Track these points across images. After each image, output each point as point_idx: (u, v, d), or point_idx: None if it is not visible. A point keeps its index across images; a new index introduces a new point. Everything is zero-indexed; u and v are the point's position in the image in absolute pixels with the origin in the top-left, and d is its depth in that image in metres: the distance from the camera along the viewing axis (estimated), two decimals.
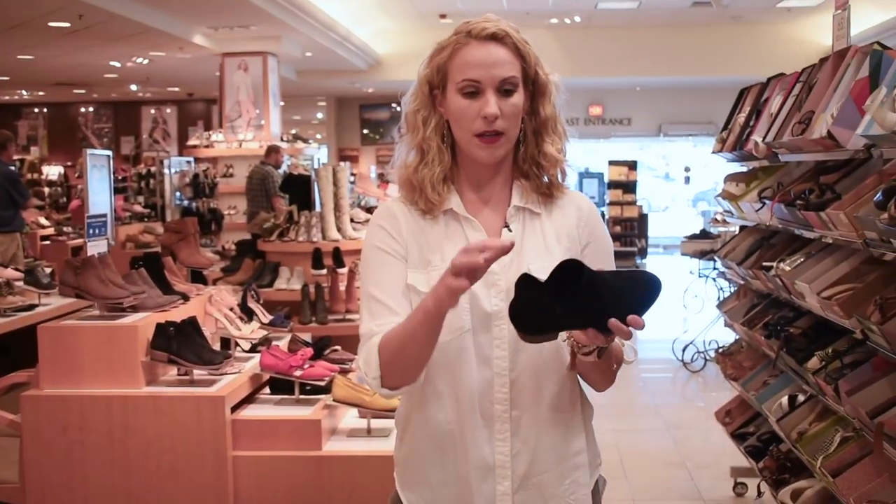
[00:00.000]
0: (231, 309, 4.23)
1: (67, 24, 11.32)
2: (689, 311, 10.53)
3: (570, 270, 1.74)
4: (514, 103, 1.93)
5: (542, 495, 1.98)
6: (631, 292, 1.77)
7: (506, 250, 1.67)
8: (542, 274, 1.76)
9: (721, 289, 9.14)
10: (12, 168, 9.61)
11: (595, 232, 2.06)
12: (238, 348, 4.13)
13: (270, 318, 4.57)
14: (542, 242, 1.99)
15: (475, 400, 1.95)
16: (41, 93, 20.79)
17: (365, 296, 2.00)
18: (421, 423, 2.02)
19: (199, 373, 3.70)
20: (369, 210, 9.63)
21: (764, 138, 4.21)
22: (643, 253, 18.07)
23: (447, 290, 1.70)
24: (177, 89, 20.29)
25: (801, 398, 4.14)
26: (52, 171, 18.05)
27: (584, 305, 1.73)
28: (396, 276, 1.97)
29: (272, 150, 11.16)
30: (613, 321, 1.71)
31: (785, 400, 4.21)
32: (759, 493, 5.23)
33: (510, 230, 1.98)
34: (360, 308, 2.02)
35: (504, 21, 1.97)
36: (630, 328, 1.72)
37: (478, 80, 1.91)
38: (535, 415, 1.96)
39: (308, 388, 3.86)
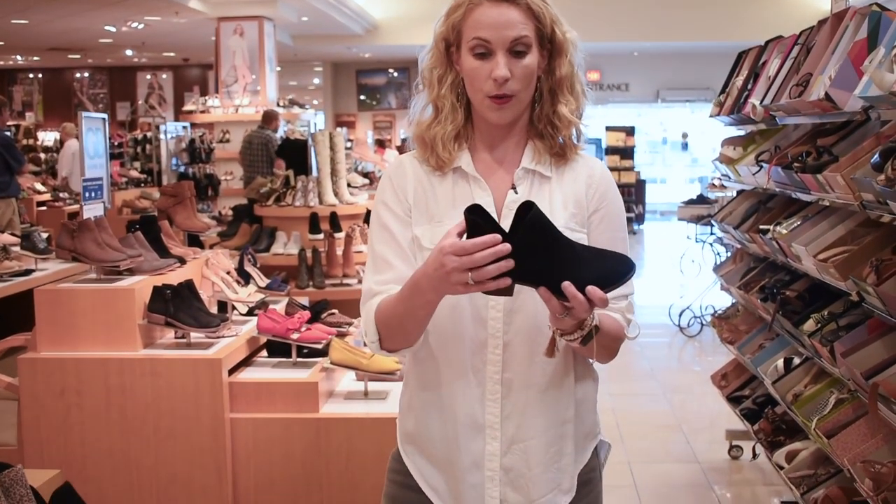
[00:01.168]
0: (228, 272, 4.23)
1: None
2: (686, 277, 10.54)
3: (525, 211, 1.69)
4: (525, 65, 1.90)
5: (527, 461, 1.99)
6: (596, 263, 1.72)
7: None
8: None
9: (717, 254, 9.16)
10: (7, 134, 9.57)
11: (606, 199, 2.02)
12: (235, 312, 4.14)
13: (267, 281, 4.58)
14: (548, 207, 1.96)
15: (468, 359, 1.96)
16: (36, 58, 20.68)
17: (370, 249, 2.04)
18: (417, 378, 2.05)
19: (196, 336, 3.71)
20: (366, 175, 9.63)
21: (762, 101, 4.20)
22: (640, 219, 18.09)
23: (448, 276, 1.69)
24: (172, 54, 20.19)
25: (796, 361, 4.16)
26: (48, 137, 17.97)
27: (533, 252, 1.67)
28: (400, 232, 1.99)
29: (272, 116, 11.10)
30: (567, 284, 1.67)
31: (780, 363, 4.22)
32: (755, 456, 5.27)
33: (516, 192, 1.97)
34: (367, 260, 2.05)
35: None
36: (585, 299, 1.67)
37: (488, 41, 1.89)
38: (526, 379, 1.96)
39: (305, 351, 3.87)
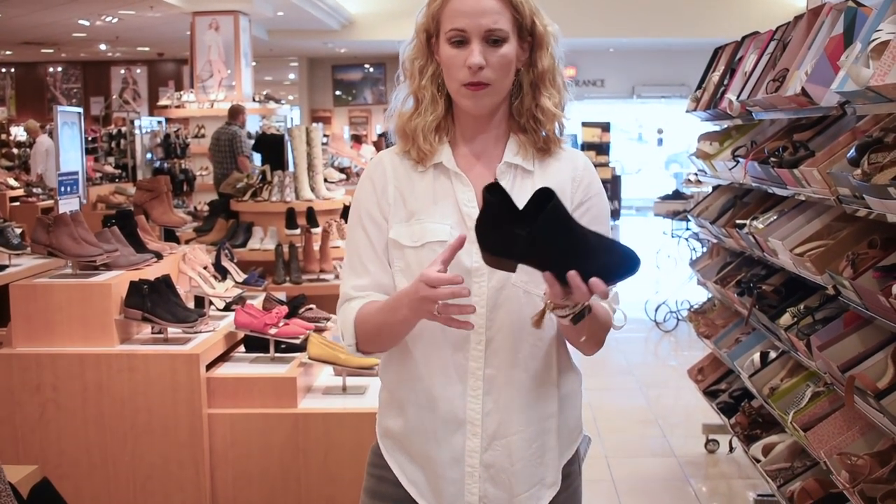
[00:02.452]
0: (205, 267, 4.21)
1: None
2: (662, 272, 10.58)
3: (543, 197, 1.70)
4: (502, 54, 1.90)
5: (510, 457, 1.98)
6: (605, 255, 1.73)
7: (459, 245, 1.76)
8: None
9: (693, 249, 9.20)
10: None
11: (590, 192, 2.02)
12: (212, 307, 4.12)
13: (244, 276, 4.56)
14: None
15: (449, 355, 1.95)
16: (8, 52, 20.48)
17: (347, 248, 2.05)
18: (396, 373, 2.04)
19: (173, 331, 3.69)
20: (342, 170, 9.61)
21: (738, 96, 4.22)
22: (616, 215, 18.14)
23: (421, 302, 1.76)
24: (147, 49, 20.06)
25: (772, 354, 4.18)
26: (21, 133, 17.80)
27: (547, 240, 1.69)
28: (376, 237, 1.99)
29: (238, 111, 10.99)
30: (572, 273, 1.67)
31: (757, 356, 4.25)
32: (731, 449, 5.30)
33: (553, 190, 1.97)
34: (345, 256, 2.06)
35: None
36: (588, 290, 1.68)
37: (463, 30, 1.88)
38: (509, 375, 1.96)
39: (283, 346, 3.86)
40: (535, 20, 1.95)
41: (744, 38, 4.72)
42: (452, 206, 1.95)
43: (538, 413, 1.99)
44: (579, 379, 2.12)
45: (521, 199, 1.88)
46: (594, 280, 1.68)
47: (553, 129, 2.01)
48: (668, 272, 10.32)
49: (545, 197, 1.70)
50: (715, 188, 5.36)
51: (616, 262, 1.73)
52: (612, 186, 17.95)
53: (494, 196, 1.71)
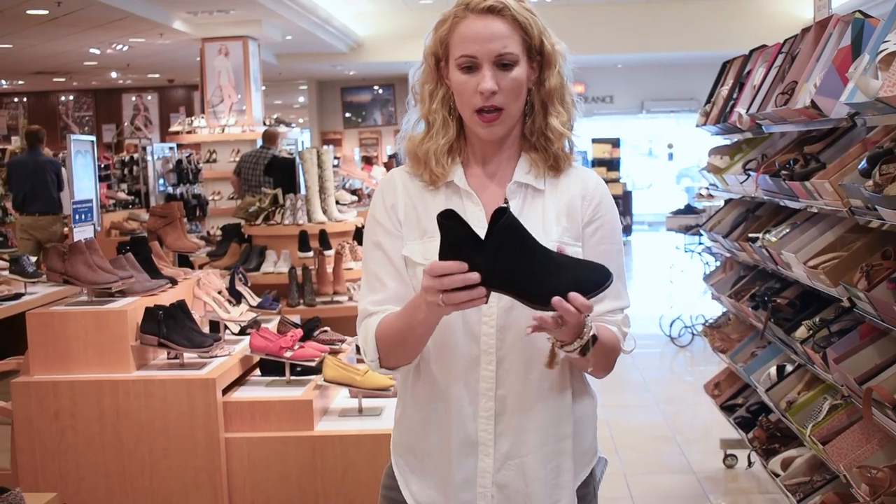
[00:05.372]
0: (219, 292, 4.22)
1: (46, 12, 11.21)
2: (676, 287, 10.56)
3: (499, 216, 1.69)
4: (513, 77, 1.90)
5: (524, 477, 1.97)
6: (572, 271, 1.71)
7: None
8: None
9: (706, 263, 9.17)
10: (56, 159, 10.28)
11: (600, 210, 2.01)
12: (227, 331, 4.13)
13: (259, 300, 4.57)
14: (541, 221, 1.96)
15: (461, 375, 1.95)
16: (20, 82, 20.63)
17: (364, 267, 2.05)
18: (411, 393, 2.05)
19: (189, 356, 3.70)
20: (354, 192, 9.62)
21: (748, 110, 4.22)
22: (628, 230, 18.13)
23: (426, 293, 1.73)
24: (157, 76, 20.16)
25: (789, 368, 4.17)
26: None
27: (505, 260, 1.67)
28: (393, 250, 1.99)
29: (275, 135, 10.90)
30: (556, 299, 1.67)
31: (773, 370, 4.24)
32: (750, 464, 5.27)
33: (508, 206, 1.97)
34: (362, 277, 2.06)
35: None
36: (574, 308, 1.68)
37: (473, 56, 1.89)
38: (521, 396, 1.95)
39: (299, 369, 3.86)
40: (544, 40, 1.95)
41: (752, 51, 4.73)
42: None
43: (553, 434, 1.99)
44: (594, 402, 2.11)
45: (531, 218, 1.89)
46: (572, 295, 1.67)
47: (562, 147, 2.00)
48: (681, 287, 10.29)
49: (501, 215, 1.69)
50: (727, 202, 5.36)
51: (585, 277, 1.72)
52: (624, 202, 17.98)
53: (452, 223, 1.69)
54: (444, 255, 1.69)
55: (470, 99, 1.91)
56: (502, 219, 1.68)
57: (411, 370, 2.02)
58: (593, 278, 1.72)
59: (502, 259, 1.67)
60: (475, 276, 1.66)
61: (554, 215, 1.97)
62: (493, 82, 1.88)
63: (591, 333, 1.79)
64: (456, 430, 1.97)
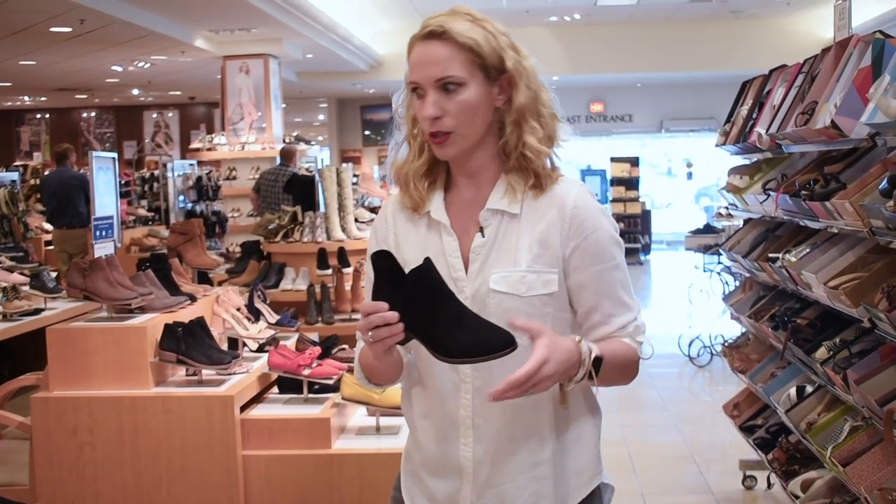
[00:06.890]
0: (238, 309, 4.24)
1: (69, 30, 11.32)
2: (695, 306, 10.52)
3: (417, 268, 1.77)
4: (459, 101, 1.87)
5: None
6: (474, 331, 1.75)
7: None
8: (501, 285, 1.87)
9: (726, 283, 9.15)
10: (83, 173, 10.51)
11: (582, 232, 1.93)
12: (246, 348, 4.14)
13: (277, 317, 4.58)
14: (513, 250, 1.92)
15: (443, 403, 1.99)
16: (43, 98, 20.81)
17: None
18: (407, 411, 2.11)
19: (207, 373, 3.71)
20: (373, 210, 9.63)
21: (767, 130, 4.22)
22: (647, 249, 18.09)
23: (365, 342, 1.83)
24: (178, 93, 20.31)
25: (809, 389, 4.14)
26: None
27: (418, 307, 1.75)
28: None
29: (292, 153, 10.98)
30: (502, 387, 1.72)
31: (793, 391, 4.21)
32: (769, 485, 5.23)
33: (483, 235, 1.95)
34: None
35: (461, 12, 1.90)
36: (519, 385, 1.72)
37: (417, 83, 1.90)
38: (498, 424, 1.96)
39: (316, 387, 3.86)
40: (504, 57, 1.91)
41: (771, 71, 4.73)
42: (440, 256, 1.95)
43: (526, 461, 1.97)
44: (594, 421, 2.06)
45: (504, 246, 1.92)
46: (508, 380, 1.71)
47: (542, 165, 1.95)
48: (700, 307, 10.26)
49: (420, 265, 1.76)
50: (746, 222, 5.34)
51: (483, 339, 1.75)
52: (643, 221, 17.94)
53: (382, 263, 1.77)
54: (373, 294, 1.79)
55: (422, 123, 1.92)
56: (417, 267, 1.75)
57: (408, 390, 2.08)
58: (493, 343, 1.74)
59: (415, 305, 1.75)
60: (393, 316, 1.74)
61: (527, 243, 1.93)
62: (435, 108, 1.87)
63: (593, 357, 1.80)
64: (443, 455, 2.01)
